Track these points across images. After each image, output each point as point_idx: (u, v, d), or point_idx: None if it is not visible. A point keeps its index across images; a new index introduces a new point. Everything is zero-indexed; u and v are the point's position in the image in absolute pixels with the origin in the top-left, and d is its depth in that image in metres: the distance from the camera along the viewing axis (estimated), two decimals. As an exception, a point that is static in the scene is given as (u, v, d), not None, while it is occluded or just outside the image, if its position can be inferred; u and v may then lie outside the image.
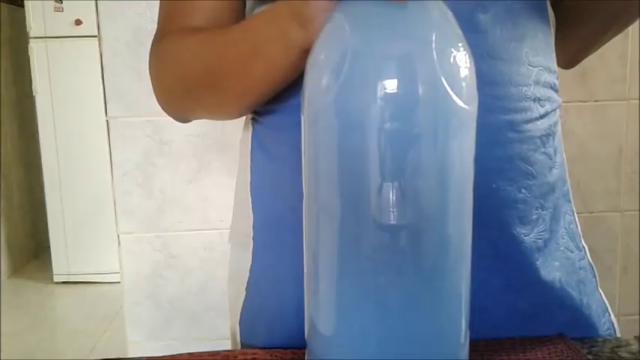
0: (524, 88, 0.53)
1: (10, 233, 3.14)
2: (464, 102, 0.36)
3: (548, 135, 0.56)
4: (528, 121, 0.54)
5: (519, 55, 0.53)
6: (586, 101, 1.41)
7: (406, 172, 0.36)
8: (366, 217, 0.36)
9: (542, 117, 0.55)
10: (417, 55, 0.36)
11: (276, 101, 0.56)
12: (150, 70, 0.60)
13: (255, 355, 0.52)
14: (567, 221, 0.60)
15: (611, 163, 1.45)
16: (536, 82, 0.54)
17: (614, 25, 0.61)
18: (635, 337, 0.55)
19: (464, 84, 0.36)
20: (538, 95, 0.54)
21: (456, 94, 0.36)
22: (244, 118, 0.64)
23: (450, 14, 0.38)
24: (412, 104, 0.35)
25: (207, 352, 0.53)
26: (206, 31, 0.56)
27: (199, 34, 0.56)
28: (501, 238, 0.54)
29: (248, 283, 0.61)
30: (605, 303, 0.63)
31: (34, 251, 3.39)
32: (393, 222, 0.36)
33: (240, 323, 0.62)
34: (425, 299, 0.37)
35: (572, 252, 0.60)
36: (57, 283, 2.99)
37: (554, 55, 0.58)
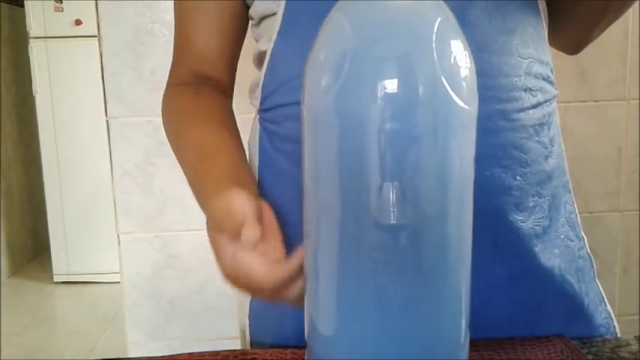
0: (515, 78, 0.54)
1: (10, 233, 3.14)
2: (464, 102, 0.36)
3: (542, 124, 0.57)
4: (520, 110, 0.55)
5: (509, 48, 0.54)
6: (586, 101, 1.41)
7: (406, 172, 0.35)
8: (366, 217, 0.36)
9: (534, 107, 0.56)
10: (418, 55, 0.35)
11: (280, 98, 0.57)
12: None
13: (255, 355, 0.52)
14: (568, 211, 0.61)
15: (611, 163, 1.45)
16: (527, 73, 0.55)
17: (608, 13, 0.61)
18: (635, 337, 0.55)
19: (464, 84, 0.36)
20: (529, 86, 0.55)
21: (457, 94, 0.36)
22: (251, 117, 0.65)
23: (450, 14, 0.38)
24: (412, 104, 0.35)
25: (208, 352, 0.53)
26: (185, 116, 0.62)
27: (178, 116, 0.63)
28: (498, 225, 0.54)
29: None
30: (601, 293, 0.64)
31: (34, 251, 3.38)
32: (393, 222, 0.36)
33: (249, 317, 0.62)
34: (425, 299, 0.37)
35: (572, 241, 0.60)
36: (57, 282, 2.99)
37: (547, 48, 0.59)
